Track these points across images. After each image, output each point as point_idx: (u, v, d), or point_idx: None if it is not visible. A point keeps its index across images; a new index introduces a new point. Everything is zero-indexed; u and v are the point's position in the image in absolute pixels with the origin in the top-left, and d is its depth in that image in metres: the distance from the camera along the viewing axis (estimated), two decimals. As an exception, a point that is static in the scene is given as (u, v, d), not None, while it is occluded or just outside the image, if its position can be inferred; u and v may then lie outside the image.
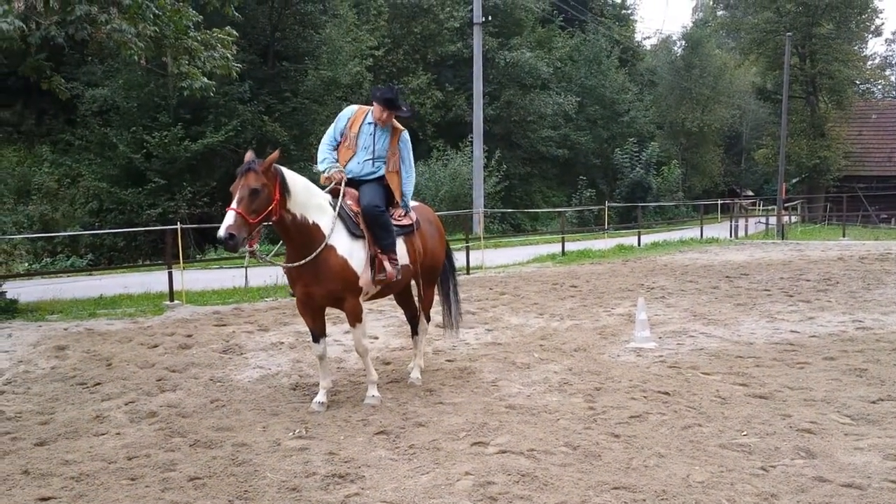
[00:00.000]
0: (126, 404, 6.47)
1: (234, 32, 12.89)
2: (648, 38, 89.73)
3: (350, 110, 6.76)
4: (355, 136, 6.53)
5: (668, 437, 5.40)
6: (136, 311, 11.32)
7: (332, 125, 6.70)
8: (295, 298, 6.37)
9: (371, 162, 6.50)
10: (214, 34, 12.45)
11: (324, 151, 6.61)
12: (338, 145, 6.61)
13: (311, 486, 4.60)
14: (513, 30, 39.23)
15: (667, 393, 6.53)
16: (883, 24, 71.39)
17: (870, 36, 48.68)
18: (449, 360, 7.96)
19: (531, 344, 8.76)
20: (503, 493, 4.42)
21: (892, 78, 67.62)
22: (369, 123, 6.54)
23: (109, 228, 21.79)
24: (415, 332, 7.39)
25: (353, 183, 6.50)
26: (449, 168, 30.57)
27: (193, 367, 7.75)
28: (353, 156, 6.52)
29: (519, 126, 37.98)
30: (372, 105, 6.57)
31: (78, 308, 11.56)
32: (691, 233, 28.48)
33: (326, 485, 4.61)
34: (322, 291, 6.02)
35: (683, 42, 51.84)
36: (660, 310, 10.96)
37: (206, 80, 12.00)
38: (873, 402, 6.15)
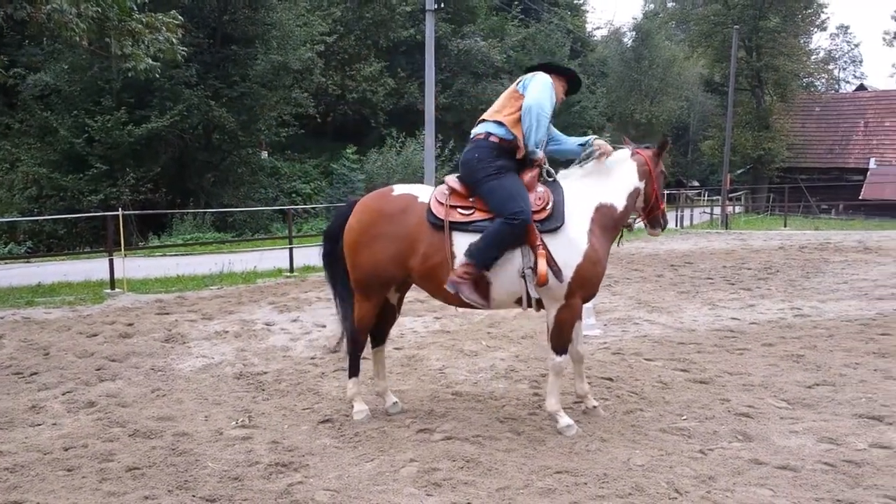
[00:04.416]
0: (63, 394, 6.31)
1: (180, 17, 12.63)
2: (599, 28, 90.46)
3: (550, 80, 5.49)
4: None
5: (611, 421, 5.48)
6: (76, 299, 11.04)
7: (548, 96, 5.37)
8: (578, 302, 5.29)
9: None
10: (159, 18, 12.18)
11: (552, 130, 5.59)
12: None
13: (253, 474, 4.55)
14: (466, 17, 39.14)
15: (610, 379, 6.63)
16: (828, 18, 73.22)
17: (815, 30, 49.83)
18: (397, 348, 7.94)
19: (479, 332, 8.79)
20: (447, 478, 4.43)
21: (836, 72, 69.54)
22: None
23: (49, 215, 21.18)
24: None
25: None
26: (402, 156, 30.44)
27: (134, 356, 7.59)
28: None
29: (471, 115, 37.91)
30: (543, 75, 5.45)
31: (15, 296, 11.23)
32: (637, 222, 28.90)
33: (269, 473, 4.56)
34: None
35: (634, 33, 52.41)
36: (605, 298, 11.10)
37: (150, 61, 11.73)
38: (809, 387, 6.31)
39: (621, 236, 5.75)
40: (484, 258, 5.01)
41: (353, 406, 5.64)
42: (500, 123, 5.29)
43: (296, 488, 4.35)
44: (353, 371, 5.65)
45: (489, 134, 5.29)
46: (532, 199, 5.10)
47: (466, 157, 5.33)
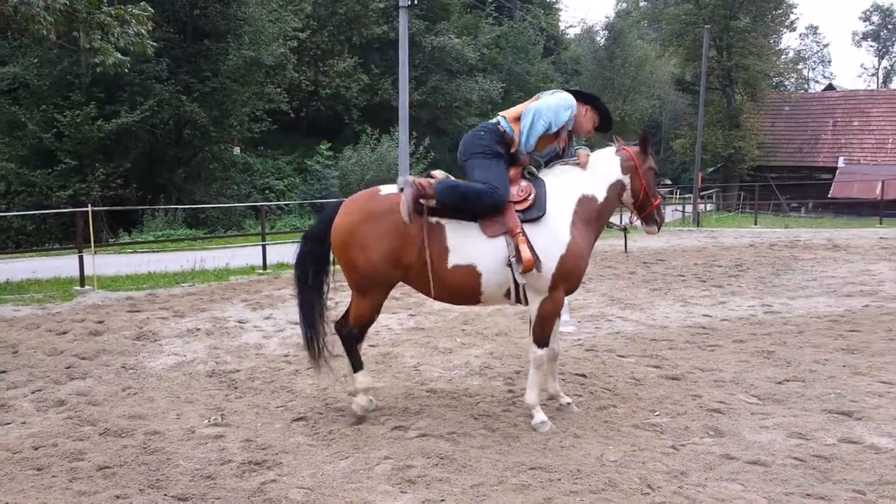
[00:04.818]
0: (33, 392, 6.21)
1: (150, 9, 12.45)
2: (572, 26, 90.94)
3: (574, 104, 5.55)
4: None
5: (584, 417, 5.52)
6: (45, 296, 10.87)
7: (555, 108, 5.41)
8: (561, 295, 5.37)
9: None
10: (129, 10, 12.00)
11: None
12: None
13: (226, 473, 4.52)
14: (440, 14, 39.10)
15: (584, 375, 6.68)
16: (797, 18, 74.12)
17: (784, 30, 50.45)
18: (371, 346, 7.91)
19: (453, 329, 8.80)
20: (422, 476, 4.43)
21: (805, 72, 70.55)
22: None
23: (17, 211, 20.82)
24: None
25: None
26: (376, 153, 30.36)
27: (104, 354, 7.49)
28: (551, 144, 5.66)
29: (445, 112, 37.93)
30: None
31: (-19, 293, 11.03)
32: (611, 219, 29.09)
33: (242, 472, 4.54)
34: None
35: (606, 32, 52.73)
36: (579, 294, 11.15)
37: (119, 55, 11.55)
38: (779, 383, 6.40)
39: (626, 242, 5.88)
40: (446, 194, 5.14)
41: (354, 396, 5.55)
42: (506, 118, 5.50)
43: (269, 486, 4.33)
44: (357, 364, 5.55)
45: (498, 123, 5.50)
46: (514, 192, 5.26)
47: (470, 133, 5.53)
